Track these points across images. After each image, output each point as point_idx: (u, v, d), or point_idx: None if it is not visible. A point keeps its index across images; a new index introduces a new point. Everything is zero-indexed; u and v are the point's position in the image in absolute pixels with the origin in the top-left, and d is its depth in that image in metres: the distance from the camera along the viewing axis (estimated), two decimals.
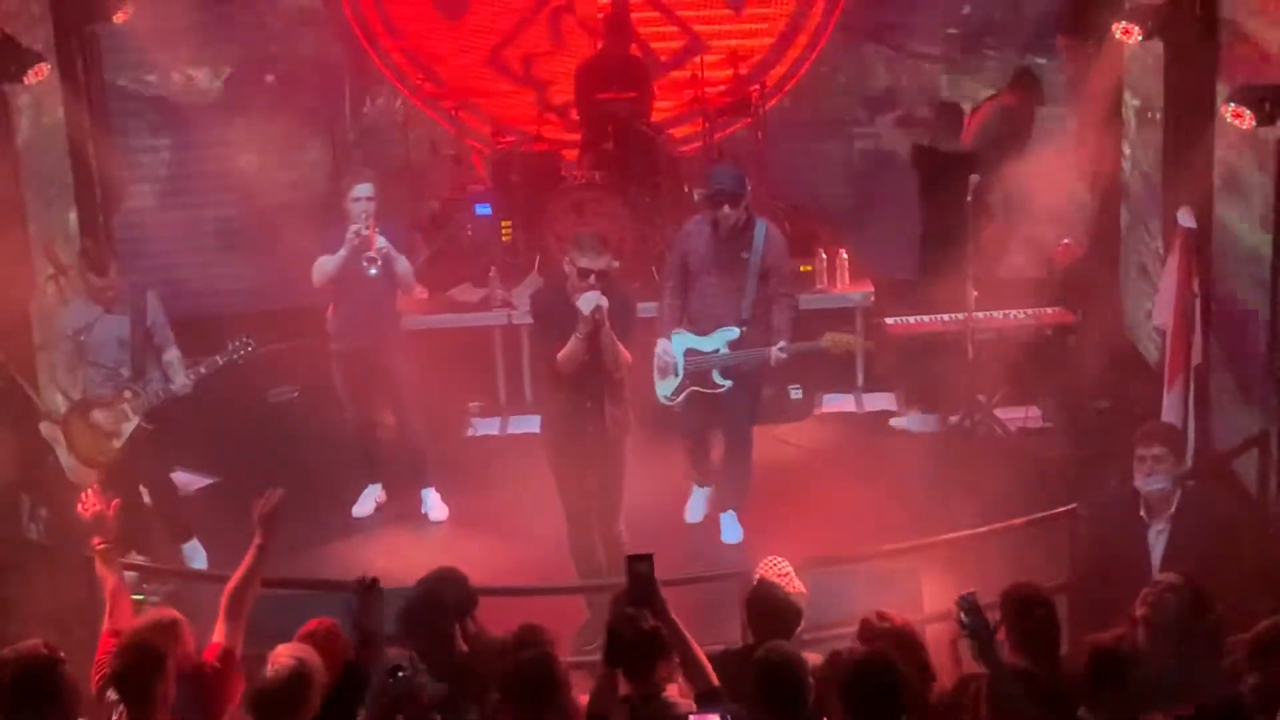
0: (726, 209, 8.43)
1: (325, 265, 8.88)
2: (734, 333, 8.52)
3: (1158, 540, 6.52)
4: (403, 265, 8.95)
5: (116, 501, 6.18)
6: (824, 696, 5.17)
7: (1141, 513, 6.54)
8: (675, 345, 8.60)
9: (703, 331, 8.58)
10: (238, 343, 8.48)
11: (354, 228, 8.72)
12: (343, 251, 8.77)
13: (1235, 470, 8.42)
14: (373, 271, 8.76)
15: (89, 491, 6.19)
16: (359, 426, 9.38)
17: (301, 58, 12.13)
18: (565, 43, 12.34)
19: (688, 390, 8.63)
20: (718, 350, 8.54)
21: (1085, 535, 6.95)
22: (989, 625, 5.17)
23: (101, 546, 6.05)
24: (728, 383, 8.57)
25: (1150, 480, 6.50)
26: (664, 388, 8.67)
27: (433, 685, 5.28)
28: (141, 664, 5.34)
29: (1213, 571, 6.09)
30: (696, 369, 8.58)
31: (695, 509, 9.09)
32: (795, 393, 10.36)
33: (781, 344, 8.42)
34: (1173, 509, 6.53)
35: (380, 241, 8.77)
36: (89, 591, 7.17)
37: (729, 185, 8.48)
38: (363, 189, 8.80)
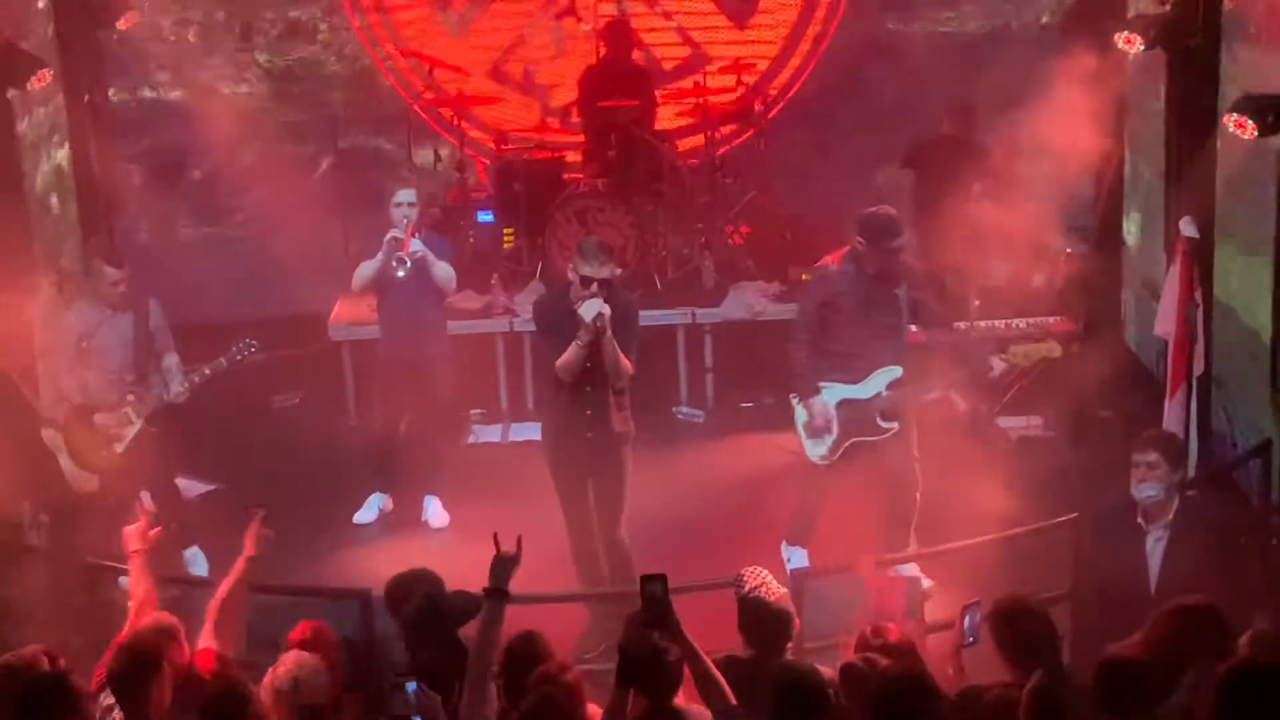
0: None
1: (363, 271, 8.94)
2: (896, 372, 8.08)
3: (1155, 548, 6.51)
4: (442, 270, 8.97)
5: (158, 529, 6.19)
6: (842, 709, 5.17)
7: (1139, 520, 6.53)
8: (828, 399, 8.10)
9: (856, 379, 8.08)
10: (241, 344, 8.50)
11: (391, 232, 8.76)
12: (380, 256, 8.81)
13: (1237, 480, 8.42)
14: (400, 273, 8.79)
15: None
16: (382, 434, 9.35)
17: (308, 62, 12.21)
18: (567, 47, 12.36)
19: (847, 444, 8.15)
20: (879, 394, 8.07)
21: (1085, 542, 6.94)
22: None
23: (136, 550, 6.02)
24: (893, 424, 8.11)
25: (1143, 487, 6.48)
26: (818, 447, 8.16)
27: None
28: (136, 665, 5.35)
29: (1210, 580, 6.08)
30: (857, 419, 8.08)
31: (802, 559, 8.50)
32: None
33: (997, 357, 8.13)
34: (1170, 516, 6.52)
35: (415, 245, 8.81)
36: (90, 598, 7.18)
37: (898, 229, 8.10)
38: (405, 195, 8.90)
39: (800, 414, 8.18)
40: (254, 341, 8.53)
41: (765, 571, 5.93)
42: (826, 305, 8.10)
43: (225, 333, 9.01)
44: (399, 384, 9.16)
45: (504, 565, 5.32)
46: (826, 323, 8.09)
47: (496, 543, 5.38)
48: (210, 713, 5.13)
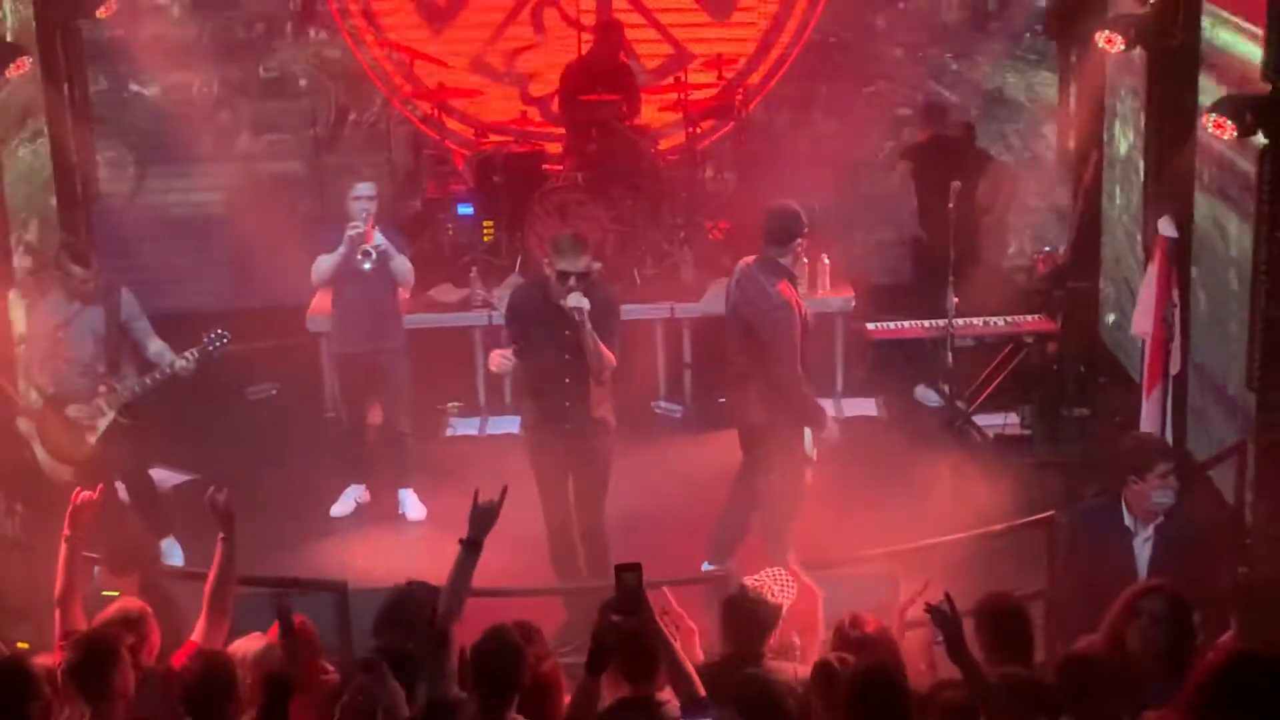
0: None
1: (323, 264, 8.89)
2: None
3: (1144, 548, 6.51)
4: (401, 264, 8.97)
5: (93, 494, 6.16)
6: (813, 708, 5.17)
7: (1127, 522, 6.54)
8: None
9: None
10: (213, 335, 8.43)
11: (352, 223, 8.73)
12: (341, 249, 8.78)
13: (1212, 480, 8.45)
14: (367, 266, 8.78)
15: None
16: (350, 428, 9.34)
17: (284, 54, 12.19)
18: (549, 36, 12.34)
19: None
20: None
21: (1069, 543, 6.93)
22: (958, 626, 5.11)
23: (66, 534, 5.99)
24: None
25: (1172, 493, 6.49)
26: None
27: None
28: (94, 658, 5.31)
29: (1197, 579, 6.10)
30: None
31: None
32: None
33: None
34: (1159, 518, 6.53)
35: (378, 238, 8.79)
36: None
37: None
38: (364, 188, 8.88)
39: (810, 440, 8.01)
40: (225, 332, 8.45)
41: (778, 571, 5.92)
42: (804, 323, 7.86)
43: (203, 323, 8.97)
44: (359, 379, 9.14)
45: (483, 516, 5.44)
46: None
47: (476, 496, 5.49)
48: (195, 692, 5.12)
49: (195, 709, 5.14)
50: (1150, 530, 6.49)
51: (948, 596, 5.17)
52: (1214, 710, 4.57)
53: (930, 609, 5.14)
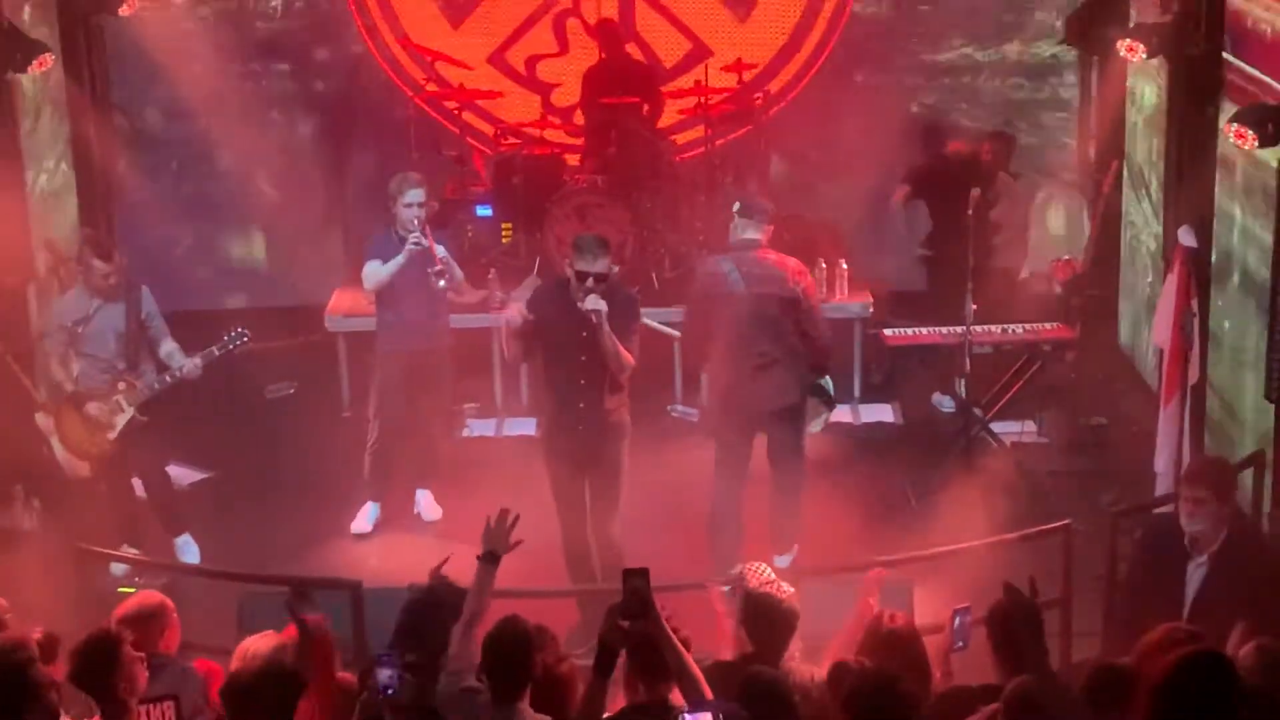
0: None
1: (380, 272, 8.79)
2: None
3: (1195, 573, 6.43)
4: (459, 272, 8.98)
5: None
6: (829, 706, 5.17)
7: (1186, 544, 6.49)
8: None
9: None
10: (233, 334, 8.46)
11: (414, 237, 8.66)
12: (400, 259, 8.70)
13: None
14: (441, 284, 8.73)
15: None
16: (384, 432, 9.11)
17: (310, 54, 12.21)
18: (570, 46, 12.35)
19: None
20: None
21: (1134, 552, 6.89)
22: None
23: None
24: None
25: (1191, 521, 6.43)
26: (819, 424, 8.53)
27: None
28: (95, 662, 5.30)
29: (1241, 615, 6.04)
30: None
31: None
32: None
33: None
34: (1216, 547, 6.44)
35: (441, 251, 8.75)
36: (80, 583, 7.18)
37: None
38: (415, 194, 8.76)
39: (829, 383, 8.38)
40: (245, 331, 8.49)
41: (767, 567, 5.93)
42: None
43: (221, 322, 9.00)
44: (405, 380, 9.01)
45: (495, 534, 5.64)
46: None
47: (489, 521, 5.66)
48: (245, 694, 5.14)
49: (239, 714, 5.14)
50: (1205, 558, 6.43)
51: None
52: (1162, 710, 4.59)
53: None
